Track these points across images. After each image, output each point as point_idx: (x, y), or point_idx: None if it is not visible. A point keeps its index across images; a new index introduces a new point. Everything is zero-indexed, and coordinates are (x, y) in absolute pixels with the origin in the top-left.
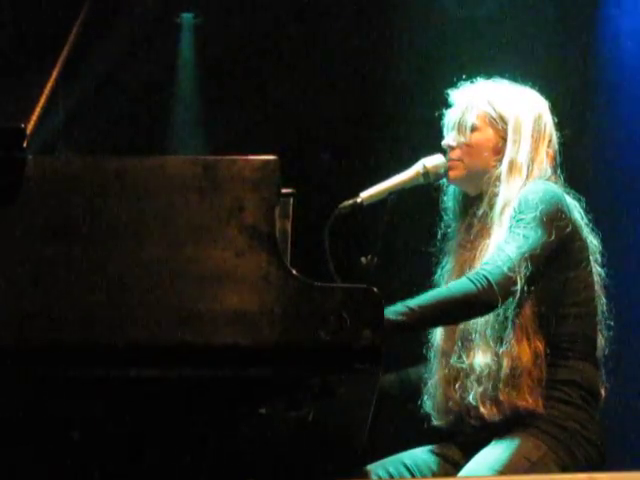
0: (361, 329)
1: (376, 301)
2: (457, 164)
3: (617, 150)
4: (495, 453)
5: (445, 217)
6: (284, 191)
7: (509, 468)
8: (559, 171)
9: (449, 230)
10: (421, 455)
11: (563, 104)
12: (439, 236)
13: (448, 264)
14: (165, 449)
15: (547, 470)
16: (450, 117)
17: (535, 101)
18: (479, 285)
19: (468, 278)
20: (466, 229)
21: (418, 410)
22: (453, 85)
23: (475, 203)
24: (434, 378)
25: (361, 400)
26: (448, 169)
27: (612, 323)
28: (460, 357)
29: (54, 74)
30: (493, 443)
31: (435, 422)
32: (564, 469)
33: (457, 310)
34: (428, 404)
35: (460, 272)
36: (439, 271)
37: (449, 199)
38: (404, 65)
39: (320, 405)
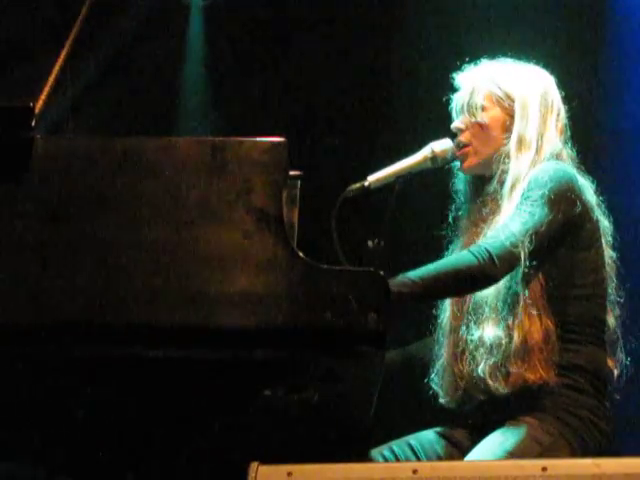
0: (367, 312)
1: (382, 284)
2: (468, 153)
3: (630, 131)
4: (506, 435)
5: (456, 200)
6: (292, 173)
7: (520, 450)
8: (570, 144)
9: (460, 213)
10: (427, 437)
11: (573, 83)
12: (450, 220)
13: (459, 242)
14: (170, 430)
15: (558, 456)
16: (457, 100)
17: (540, 77)
18: (480, 258)
19: (469, 251)
20: (478, 209)
21: (423, 392)
22: (461, 68)
23: (486, 183)
24: (442, 357)
25: (366, 383)
26: (460, 161)
27: (622, 300)
28: (469, 329)
29: (63, 54)
30: (503, 426)
31: (442, 400)
32: (575, 456)
33: (458, 282)
34: (435, 382)
35: (468, 247)
36: (450, 249)
37: (459, 182)
38: (413, 47)
39: (325, 387)
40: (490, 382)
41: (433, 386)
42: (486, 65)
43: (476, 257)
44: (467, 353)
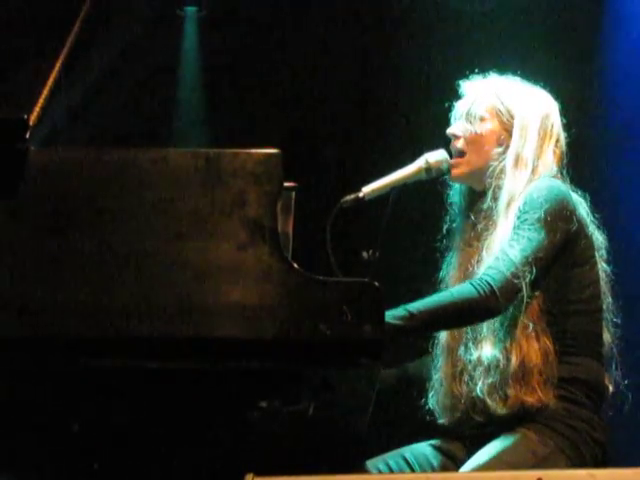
0: (362, 323)
1: (377, 296)
2: (459, 162)
3: (622, 146)
4: (501, 446)
5: (451, 212)
6: (286, 185)
7: (515, 461)
8: (564, 172)
9: (454, 225)
10: (422, 449)
11: (567, 99)
12: (444, 231)
13: (453, 260)
14: (164, 442)
15: (554, 467)
16: (458, 107)
17: (544, 100)
18: (481, 291)
19: (471, 284)
20: (472, 225)
21: (419, 406)
22: (457, 79)
23: (480, 199)
24: (439, 374)
25: (361, 394)
26: (451, 167)
27: (618, 321)
28: (468, 349)
29: (57, 66)
30: (499, 437)
31: (440, 420)
32: (571, 467)
33: (458, 316)
34: (433, 400)
35: (465, 268)
36: (444, 267)
37: (455, 194)
38: (407, 60)
39: (320, 399)
40: (489, 402)
41: (431, 405)
42: (494, 78)
43: (477, 290)
44: (465, 374)
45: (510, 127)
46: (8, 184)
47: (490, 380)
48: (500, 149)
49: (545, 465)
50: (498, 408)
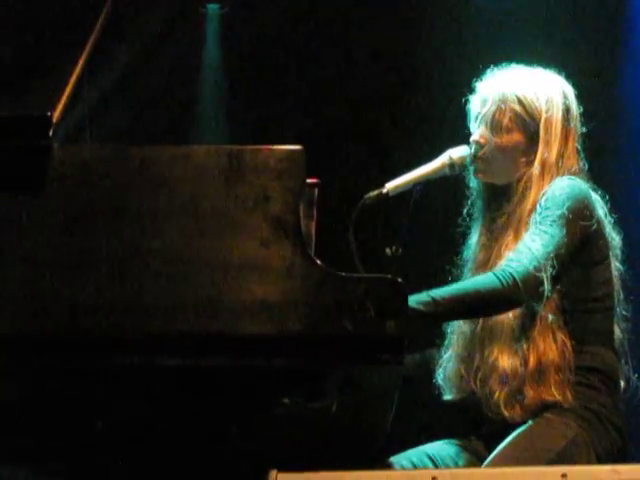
0: (385, 320)
1: (400, 292)
2: (484, 164)
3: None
4: (532, 431)
5: (470, 196)
6: (309, 181)
7: (548, 445)
8: (582, 156)
9: (474, 209)
10: (444, 446)
11: (589, 96)
12: (465, 214)
13: (473, 243)
14: (188, 438)
15: (580, 450)
16: (477, 111)
17: (562, 92)
18: (505, 282)
19: (495, 274)
20: (492, 218)
21: (437, 395)
22: (479, 75)
23: (502, 190)
24: (449, 352)
25: (384, 391)
26: (475, 167)
27: (628, 314)
28: (483, 353)
29: (80, 63)
30: (525, 424)
31: (446, 396)
32: (594, 450)
33: (480, 305)
34: (440, 376)
35: (484, 262)
36: (466, 249)
37: (473, 180)
38: (430, 55)
39: (343, 395)
40: (506, 413)
41: (437, 380)
42: (508, 75)
43: (500, 281)
44: (480, 373)
45: (535, 134)
46: (31, 181)
47: (507, 388)
48: (526, 158)
49: (573, 447)
50: (516, 416)
